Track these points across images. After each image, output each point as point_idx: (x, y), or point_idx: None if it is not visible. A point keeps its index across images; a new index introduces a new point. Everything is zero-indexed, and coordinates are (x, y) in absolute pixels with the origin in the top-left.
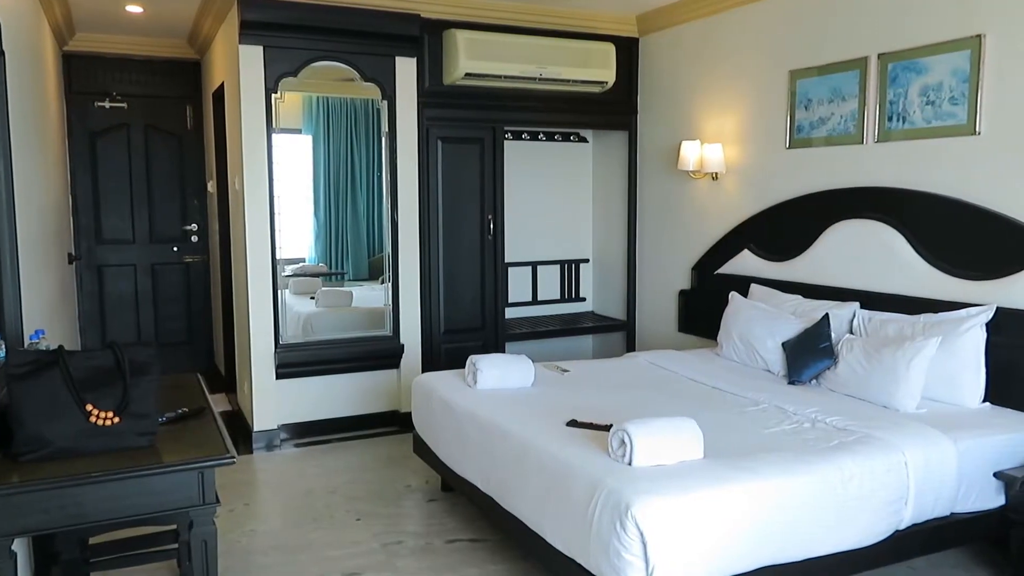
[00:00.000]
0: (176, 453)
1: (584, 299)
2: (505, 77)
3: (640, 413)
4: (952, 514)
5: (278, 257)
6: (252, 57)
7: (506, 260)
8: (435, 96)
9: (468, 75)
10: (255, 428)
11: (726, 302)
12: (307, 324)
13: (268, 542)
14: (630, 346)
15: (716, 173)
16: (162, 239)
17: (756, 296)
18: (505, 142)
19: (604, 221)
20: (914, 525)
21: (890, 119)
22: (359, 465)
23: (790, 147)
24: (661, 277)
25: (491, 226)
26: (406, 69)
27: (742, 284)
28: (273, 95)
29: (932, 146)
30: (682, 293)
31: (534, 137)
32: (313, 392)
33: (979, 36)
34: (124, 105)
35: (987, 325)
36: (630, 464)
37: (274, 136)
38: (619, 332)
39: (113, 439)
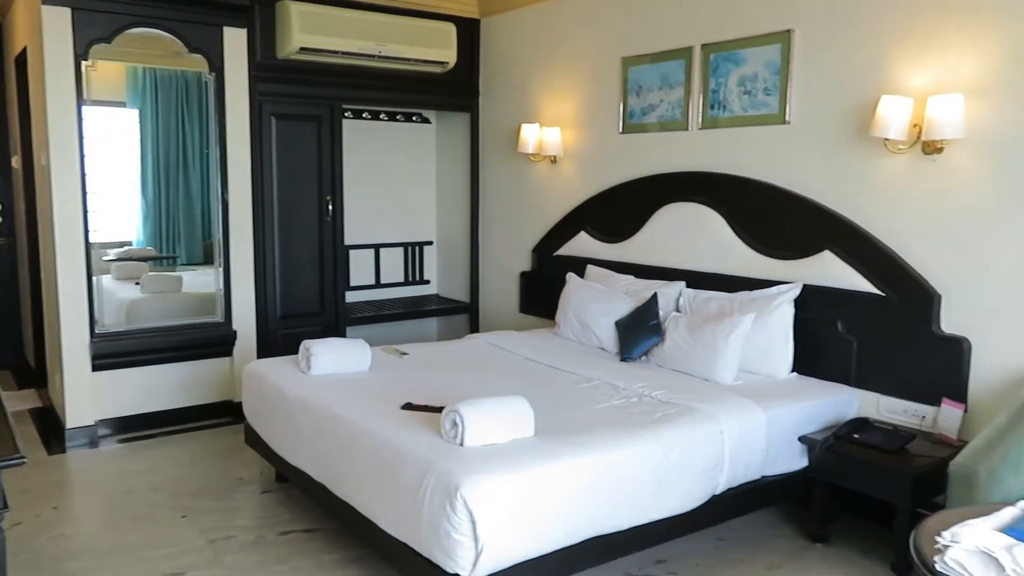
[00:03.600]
0: None
1: (428, 282)
2: (342, 53)
3: (475, 394)
4: (763, 477)
5: (95, 240)
6: (57, 20)
7: (347, 243)
8: (268, 70)
9: (303, 50)
10: (68, 425)
11: (564, 283)
12: (131, 311)
13: (80, 546)
14: (474, 328)
15: (555, 156)
16: None
17: (592, 276)
18: (344, 121)
19: (448, 203)
20: (729, 489)
21: (712, 107)
22: (187, 459)
23: (623, 132)
24: (503, 259)
25: (330, 207)
26: (235, 40)
27: (579, 265)
28: (84, 63)
29: (749, 133)
30: (523, 275)
31: (375, 116)
32: (137, 384)
33: (789, 31)
34: None
35: (795, 301)
36: (462, 445)
37: (91, 109)
38: (463, 314)
39: None
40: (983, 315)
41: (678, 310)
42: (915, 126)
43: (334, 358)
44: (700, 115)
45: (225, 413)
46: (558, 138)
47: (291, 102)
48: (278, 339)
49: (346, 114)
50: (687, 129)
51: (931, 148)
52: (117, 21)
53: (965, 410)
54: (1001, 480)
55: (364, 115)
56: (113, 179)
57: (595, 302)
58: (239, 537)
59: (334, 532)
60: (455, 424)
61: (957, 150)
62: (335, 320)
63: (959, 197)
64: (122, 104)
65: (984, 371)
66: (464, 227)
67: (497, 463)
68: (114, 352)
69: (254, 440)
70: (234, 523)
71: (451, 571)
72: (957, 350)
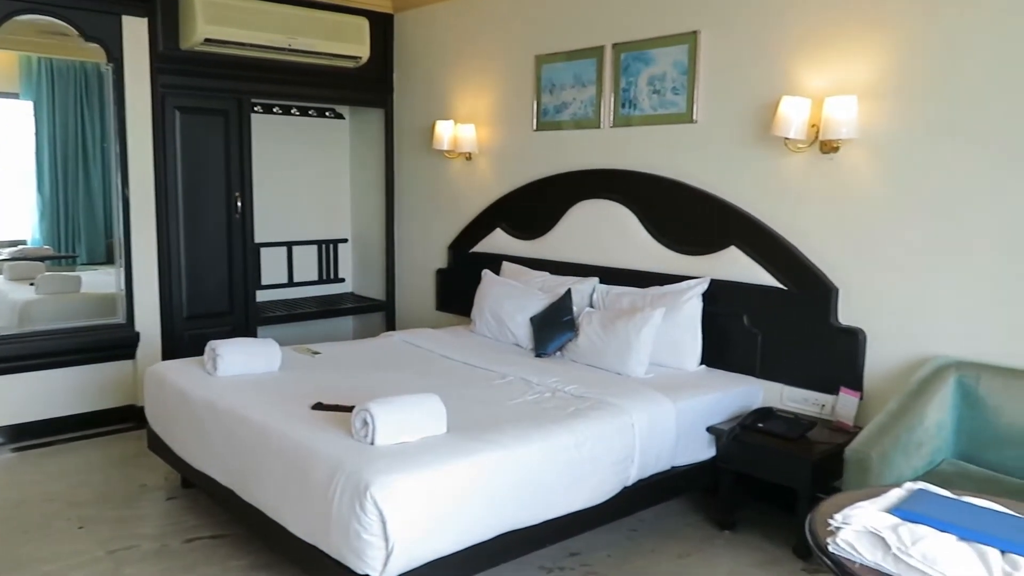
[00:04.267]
0: None
1: (343, 280)
2: (251, 46)
3: (388, 392)
4: (672, 468)
5: None
6: None
7: (257, 240)
8: (172, 62)
9: (208, 41)
10: None
11: (480, 280)
12: (24, 313)
13: None
14: (390, 326)
15: (470, 153)
16: None
17: (507, 273)
18: (254, 115)
19: (363, 200)
20: (640, 481)
21: (623, 105)
22: (86, 467)
23: (537, 129)
24: (419, 256)
25: (239, 204)
26: (135, 30)
27: (495, 262)
28: None
29: (659, 132)
30: (439, 272)
31: (286, 111)
32: (32, 389)
33: (695, 32)
34: None
35: (704, 295)
36: (372, 444)
37: None
38: (379, 312)
39: None
40: (877, 307)
41: (592, 306)
42: (813, 126)
43: (242, 359)
44: (612, 113)
45: (128, 418)
46: (473, 135)
47: (196, 95)
48: (185, 340)
49: (256, 108)
50: (599, 127)
51: (828, 147)
52: (5, 7)
53: (861, 398)
54: (892, 463)
55: (275, 110)
56: (5, 174)
57: (510, 299)
58: (142, 546)
59: (242, 538)
60: (365, 423)
61: (852, 150)
62: (245, 320)
63: (854, 195)
64: (15, 95)
65: (878, 360)
66: (379, 224)
67: (408, 462)
68: (5, 356)
69: (157, 445)
70: (136, 532)
71: (361, 572)
72: (853, 341)
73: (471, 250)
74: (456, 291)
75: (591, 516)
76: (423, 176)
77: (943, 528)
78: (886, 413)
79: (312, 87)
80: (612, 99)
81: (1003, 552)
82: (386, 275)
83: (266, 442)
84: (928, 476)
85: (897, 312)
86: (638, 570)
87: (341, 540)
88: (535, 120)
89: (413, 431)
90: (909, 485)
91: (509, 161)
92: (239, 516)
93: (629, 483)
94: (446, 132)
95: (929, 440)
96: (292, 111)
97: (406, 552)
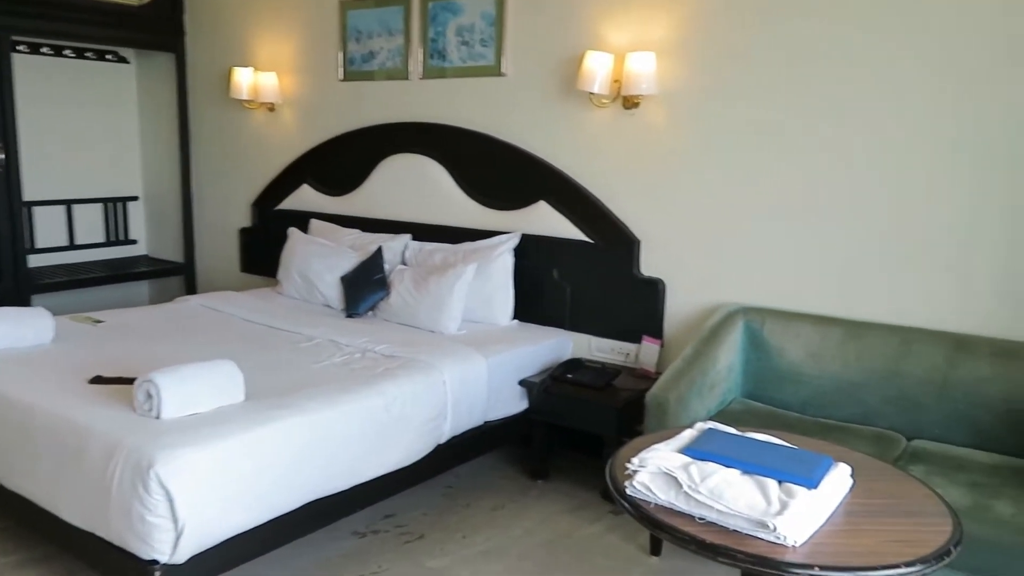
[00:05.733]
0: None
1: (135, 241)
2: None
3: (179, 361)
4: (485, 423)
5: None
6: None
7: (28, 198)
8: None
9: None
10: None
11: (287, 239)
12: None
13: None
14: (191, 290)
15: (272, 104)
16: None
17: (316, 231)
18: (17, 56)
19: (155, 154)
20: (454, 438)
21: (433, 57)
22: None
23: (344, 79)
24: (221, 215)
25: (1, 156)
26: None
27: (303, 219)
28: None
29: (468, 85)
30: (243, 231)
31: (58, 53)
32: None
33: None
34: None
35: (515, 250)
36: (159, 418)
37: None
38: (178, 276)
39: None
40: (674, 258)
41: (404, 263)
42: (616, 81)
43: (4, 330)
44: (421, 65)
45: None
46: (275, 84)
47: None
48: None
49: (18, 47)
50: (409, 79)
51: (630, 103)
52: None
53: (662, 345)
54: (688, 405)
55: (44, 50)
56: None
57: (319, 258)
58: None
59: (9, 532)
60: (150, 396)
61: (652, 105)
62: (15, 287)
63: (653, 150)
64: None
65: (676, 309)
66: (174, 180)
67: (199, 434)
68: None
69: None
70: None
71: (148, 558)
72: (654, 291)
73: (277, 207)
74: (262, 251)
75: (405, 476)
76: (222, 128)
77: (728, 464)
78: (682, 359)
79: (87, 25)
80: (421, 50)
81: (780, 482)
82: (184, 235)
83: (32, 422)
84: (720, 415)
85: (692, 263)
86: (453, 526)
87: (123, 525)
88: (342, 69)
89: (206, 401)
90: (699, 425)
91: (315, 113)
92: (4, 508)
93: (443, 441)
94: (245, 80)
95: (721, 381)
96: (65, 52)
97: (199, 532)
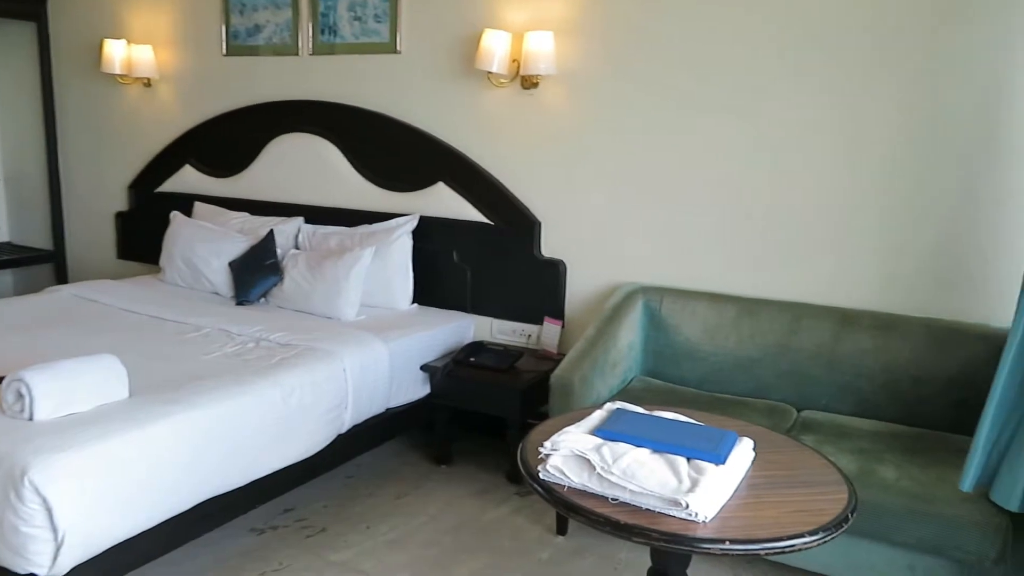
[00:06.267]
0: None
1: None
2: None
3: (55, 356)
4: (387, 409)
5: None
6: None
7: None
8: None
9: None
10: None
11: (169, 223)
12: None
13: None
14: (61, 279)
15: (149, 79)
16: None
17: (200, 215)
18: None
19: (15, 132)
20: (355, 426)
21: (323, 32)
22: None
23: (228, 54)
24: (94, 198)
25: None
26: None
27: (187, 203)
28: None
29: (362, 62)
30: (119, 215)
31: None
32: None
33: None
34: None
35: (413, 233)
36: (31, 419)
37: None
38: (46, 265)
39: None
40: (575, 239)
41: (297, 247)
42: (515, 61)
43: None
44: (311, 40)
45: None
46: (151, 57)
47: None
48: None
49: None
50: (298, 55)
51: (529, 83)
52: None
53: (563, 326)
54: (592, 385)
55: None
56: None
57: (205, 242)
58: None
59: None
60: (20, 396)
61: (550, 85)
62: None
63: (552, 131)
64: None
65: (577, 289)
66: (39, 161)
67: (78, 436)
68: None
69: None
70: None
71: (24, 572)
72: (555, 272)
73: (157, 190)
74: (141, 237)
75: (306, 468)
76: (92, 105)
77: (639, 443)
78: (585, 339)
79: None
80: (310, 24)
81: (689, 459)
82: (52, 221)
83: None
84: (621, 394)
85: (593, 243)
86: (356, 517)
87: None
88: (225, 44)
89: (85, 400)
90: (609, 405)
91: (197, 89)
92: None
93: (344, 430)
94: (118, 53)
95: (622, 360)
96: None
97: (82, 541)
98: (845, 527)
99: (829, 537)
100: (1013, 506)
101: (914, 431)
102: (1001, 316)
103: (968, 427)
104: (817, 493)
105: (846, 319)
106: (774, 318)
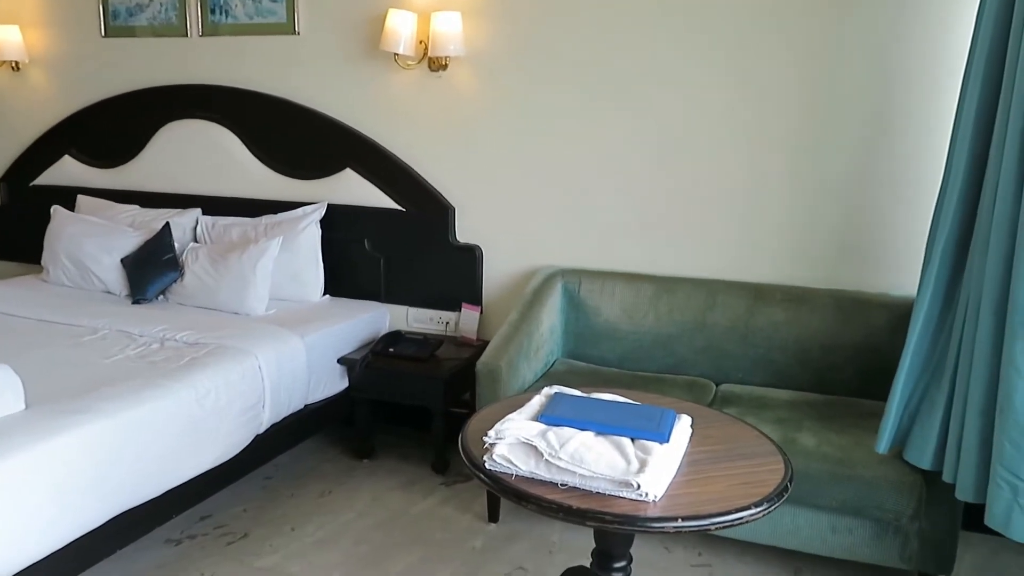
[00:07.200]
0: None
1: None
2: None
3: None
4: (306, 406)
5: None
6: None
7: None
8: None
9: None
10: None
11: (50, 219)
12: None
13: None
14: None
15: (16, 62)
16: None
17: (85, 209)
18: None
19: None
20: (273, 425)
21: (213, 12)
22: None
23: (107, 35)
24: None
25: None
26: None
27: (68, 196)
28: None
29: (257, 43)
30: None
31: None
32: None
33: None
34: None
35: (321, 222)
36: None
37: None
38: None
39: None
40: (489, 224)
41: (196, 240)
42: (422, 42)
43: None
44: (200, 20)
45: None
46: (18, 39)
47: None
48: None
49: None
50: (187, 36)
51: (437, 65)
52: None
53: (481, 312)
54: (517, 370)
55: None
56: None
57: (92, 238)
58: None
59: None
60: None
61: (460, 68)
62: None
63: (463, 114)
64: None
65: (493, 274)
66: None
67: None
68: None
69: None
70: None
71: None
72: (471, 258)
73: (33, 183)
74: (18, 234)
75: (222, 473)
76: None
77: (583, 427)
78: (508, 324)
79: None
80: (199, 3)
81: (633, 440)
82: None
83: None
84: (546, 377)
85: (508, 227)
86: (279, 519)
87: None
88: (103, 24)
89: None
90: (547, 390)
91: (74, 73)
92: None
93: (262, 430)
94: None
95: (544, 344)
96: None
97: None
98: (786, 496)
99: (773, 507)
100: (926, 464)
101: (826, 398)
102: (900, 284)
103: (874, 392)
104: (756, 464)
105: (759, 294)
106: (690, 295)
